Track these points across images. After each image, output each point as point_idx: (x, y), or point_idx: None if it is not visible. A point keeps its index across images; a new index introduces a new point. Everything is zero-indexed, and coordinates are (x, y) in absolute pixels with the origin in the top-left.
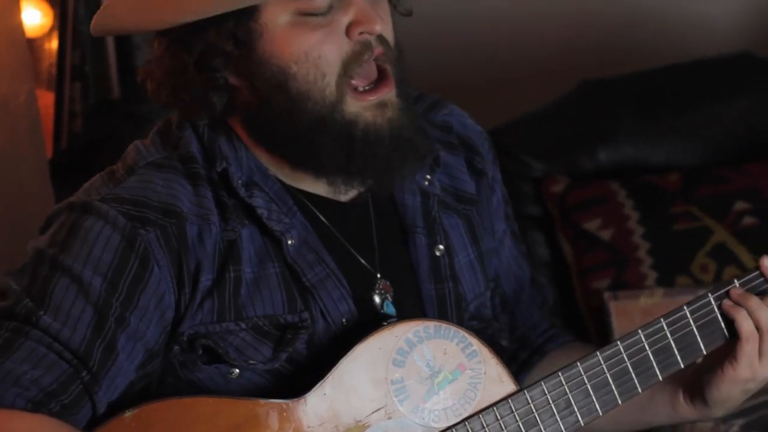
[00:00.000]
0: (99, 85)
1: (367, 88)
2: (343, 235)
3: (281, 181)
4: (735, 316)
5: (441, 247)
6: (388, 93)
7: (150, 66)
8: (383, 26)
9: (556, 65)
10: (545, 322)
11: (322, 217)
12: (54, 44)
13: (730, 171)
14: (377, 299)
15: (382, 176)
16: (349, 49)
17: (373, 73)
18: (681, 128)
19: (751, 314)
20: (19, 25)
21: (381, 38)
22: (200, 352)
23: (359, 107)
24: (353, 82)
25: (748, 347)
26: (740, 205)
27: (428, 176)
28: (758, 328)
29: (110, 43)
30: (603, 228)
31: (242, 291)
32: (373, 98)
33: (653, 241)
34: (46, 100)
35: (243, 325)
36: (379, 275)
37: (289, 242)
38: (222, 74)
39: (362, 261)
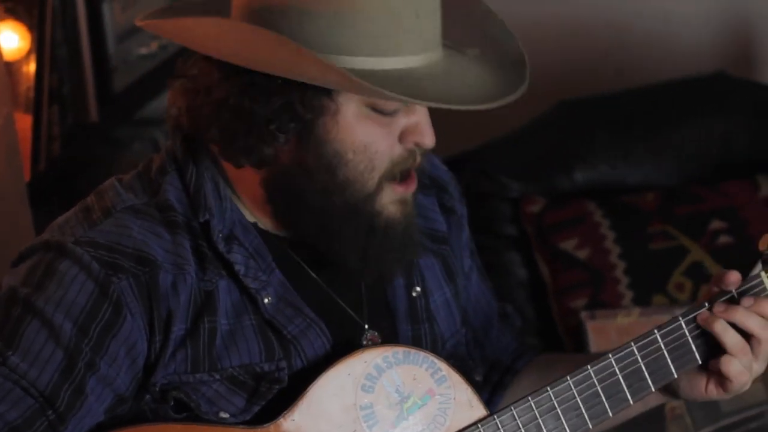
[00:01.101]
0: (77, 108)
1: (402, 177)
2: (327, 283)
3: (262, 232)
4: (716, 330)
5: (418, 288)
6: (413, 190)
7: (190, 91)
8: (433, 140)
9: (533, 86)
10: (514, 342)
11: (305, 266)
12: (32, 67)
13: (705, 190)
14: None
15: (387, 266)
16: (398, 152)
17: (417, 165)
18: (657, 148)
19: (741, 324)
20: None
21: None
22: (171, 403)
23: (391, 198)
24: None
25: (740, 358)
26: (716, 224)
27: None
28: (752, 335)
29: (88, 66)
30: (580, 248)
31: (217, 342)
32: (401, 191)
33: (630, 260)
34: (24, 123)
35: (217, 376)
36: (367, 326)
37: (266, 300)
38: (287, 135)
39: (349, 311)
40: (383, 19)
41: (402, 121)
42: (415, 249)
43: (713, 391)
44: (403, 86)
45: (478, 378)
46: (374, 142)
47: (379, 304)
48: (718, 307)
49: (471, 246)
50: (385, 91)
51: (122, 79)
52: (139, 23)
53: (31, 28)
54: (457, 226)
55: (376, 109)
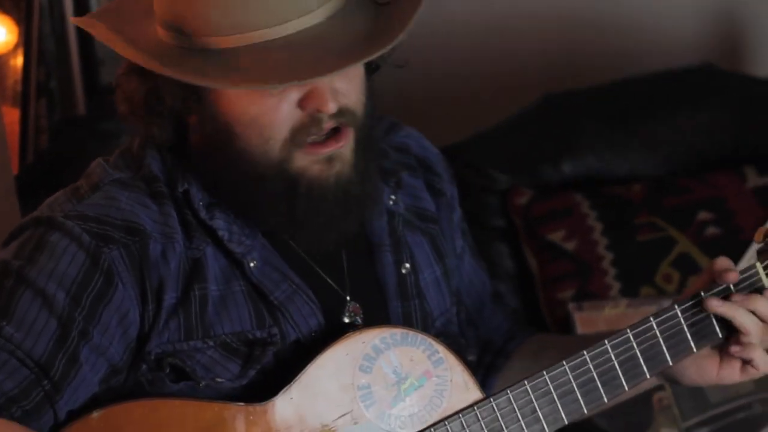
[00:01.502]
0: (64, 101)
1: (317, 140)
2: (310, 256)
3: None
4: (733, 315)
5: (407, 265)
6: (338, 147)
7: (120, 79)
8: (335, 104)
9: (520, 79)
10: (506, 323)
11: (289, 240)
12: (19, 61)
13: (693, 181)
14: (347, 321)
15: (323, 231)
16: (298, 120)
17: (326, 129)
18: (644, 140)
19: (758, 311)
20: None
21: (340, 111)
22: (167, 370)
23: (308, 160)
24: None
25: (756, 342)
26: (703, 215)
27: (393, 196)
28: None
29: (75, 59)
30: (567, 239)
31: (209, 309)
32: (321, 151)
33: (617, 251)
34: (12, 116)
35: (211, 343)
36: (348, 298)
37: (251, 264)
38: (164, 117)
39: (332, 284)
40: None
41: (294, 91)
42: (361, 207)
43: (731, 376)
44: (248, 67)
45: (471, 357)
46: (263, 113)
47: (367, 279)
48: (737, 296)
49: (463, 226)
50: (202, 80)
51: (110, 72)
52: (72, 20)
53: (18, 21)
54: (447, 207)
55: None
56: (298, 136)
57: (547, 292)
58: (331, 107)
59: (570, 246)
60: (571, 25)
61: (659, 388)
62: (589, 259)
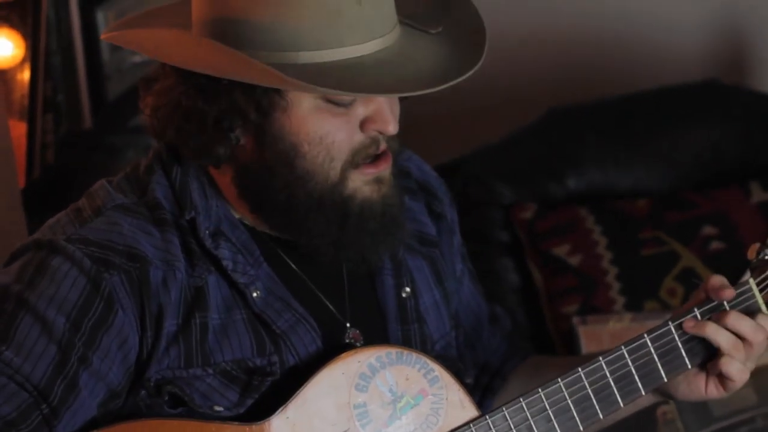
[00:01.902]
0: (71, 116)
1: (367, 161)
2: (313, 281)
3: (250, 228)
4: (711, 335)
5: (408, 289)
6: (386, 169)
7: (153, 93)
8: (396, 126)
9: (525, 94)
10: (504, 345)
11: (291, 264)
12: (26, 75)
13: (697, 196)
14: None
15: (369, 251)
16: (359, 141)
17: (381, 151)
18: (649, 154)
19: (733, 328)
20: None
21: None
22: (166, 398)
23: (360, 181)
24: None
25: (736, 357)
26: (708, 230)
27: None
28: (743, 339)
29: (82, 74)
30: (572, 253)
31: (209, 337)
32: (372, 172)
33: (621, 266)
34: (19, 130)
35: (210, 371)
36: (348, 324)
37: (254, 294)
38: (236, 134)
39: (332, 309)
40: (320, 13)
41: (360, 111)
42: (399, 229)
43: (714, 392)
44: (336, 78)
45: (469, 380)
46: (330, 132)
47: (368, 304)
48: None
49: (462, 251)
50: (307, 84)
51: (116, 87)
52: (103, 37)
53: (25, 36)
54: (447, 231)
55: (330, 101)
56: (356, 156)
57: (551, 306)
58: (393, 129)
59: (574, 260)
60: (576, 41)
61: (663, 401)
62: (594, 274)
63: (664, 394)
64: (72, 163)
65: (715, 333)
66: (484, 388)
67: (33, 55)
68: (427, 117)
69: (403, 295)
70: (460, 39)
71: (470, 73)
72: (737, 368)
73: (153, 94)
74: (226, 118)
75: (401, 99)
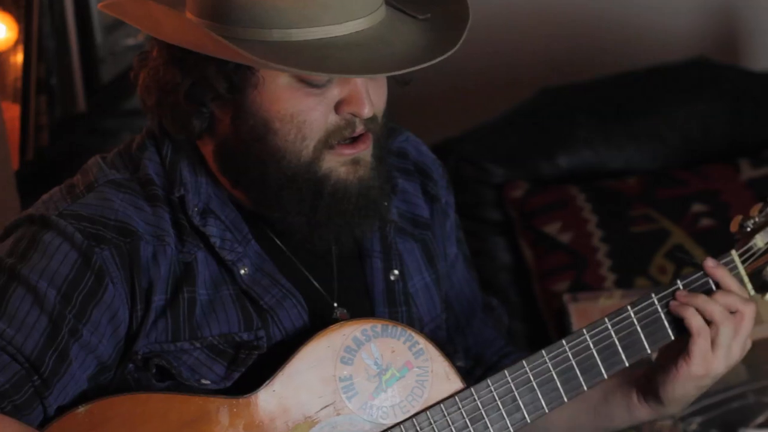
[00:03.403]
0: (64, 98)
1: (344, 142)
2: (301, 261)
3: (239, 206)
4: (684, 314)
5: (396, 272)
6: (364, 150)
7: (144, 65)
8: (371, 109)
9: (516, 74)
10: (501, 340)
11: (279, 243)
12: (19, 58)
13: (687, 174)
14: None
15: (342, 232)
16: (333, 122)
17: (357, 133)
18: (638, 133)
19: (701, 310)
20: None
21: (369, 117)
22: (154, 371)
23: (335, 162)
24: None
25: (701, 341)
26: (697, 207)
27: (385, 203)
28: (710, 322)
29: (75, 56)
30: (562, 231)
31: (197, 312)
32: (349, 152)
33: (612, 243)
34: (12, 112)
35: (197, 345)
36: (336, 304)
37: (242, 271)
38: (208, 108)
39: (320, 288)
40: None
41: (335, 92)
42: (376, 213)
43: (682, 367)
44: (303, 57)
45: (459, 363)
46: (302, 111)
47: (356, 286)
48: (681, 292)
49: (458, 235)
50: (270, 63)
51: (110, 70)
52: (99, 6)
53: (18, 18)
54: (440, 214)
55: (303, 81)
56: (331, 138)
57: (542, 284)
58: (367, 112)
59: (565, 238)
60: (567, 20)
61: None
62: (584, 251)
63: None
64: (66, 146)
65: (691, 315)
66: (478, 379)
67: (26, 37)
68: (418, 97)
69: (392, 278)
70: (443, 27)
71: (438, 60)
72: (700, 348)
73: (144, 68)
74: (197, 91)
75: (391, 81)
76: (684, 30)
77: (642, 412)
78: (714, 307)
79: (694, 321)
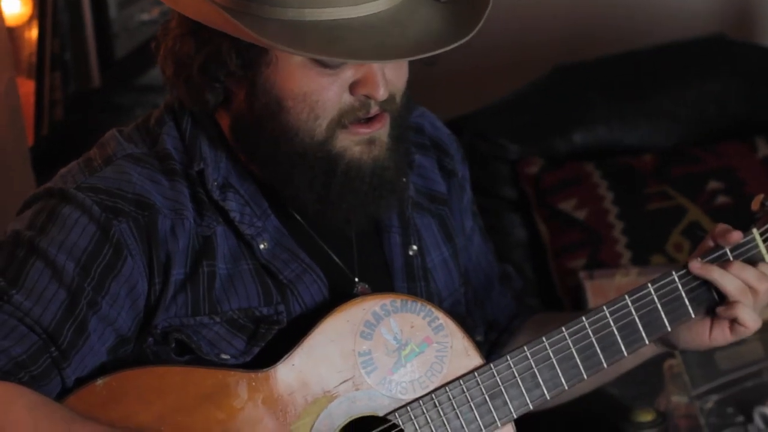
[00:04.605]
0: (79, 73)
1: (359, 121)
2: (321, 236)
3: (260, 182)
4: (718, 279)
5: (414, 247)
6: (379, 129)
7: (166, 36)
8: (386, 91)
9: (531, 51)
10: (513, 304)
11: (299, 218)
12: (34, 33)
13: (703, 151)
14: None
15: (355, 211)
16: (348, 103)
17: (372, 114)
18: (654, 110)
19: (736, 277)
20: None
21: (385, 99)
22: (173, 345)
23: (349, 141)
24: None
25: (747, 302)
26: (713, 185)
27: (404, 179)
28: (750, 287)
29: (90, 32)
30: (578, 208)
31: (216, 285)
32: (364, 131)
33: (628, 220)
34: (27, 88)
35: (217, 319)
36: (357, 279)
37: (261, 246)
38: (221, 83)
39: (340, 264)
40: None
41: (349, 74)
42: (391, 193)
43: (719, 338)
44: (312, 39)
45: (478, 338)
46: (315, 91)
47: (376, 261)
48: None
49: (473, 208)
50: (278, 44)
51: (124, 45)
52: None
53: None
54: (457, 188)
55: (316, 60)
56: (344, 118)
57: (558, 261)
58: (382, 94)
59: (581, 215)
60: None
61: (669, 355)
62: (600, 228)
63: (667, 344)
64: (80, 122)
65: (721, 277)
66: (492, 343)
67: (40, 12)
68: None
69: (410, 253)
70: (464, 10)
71: (450, 47)
72: (749, 314)
73: (166, 40)
74: (210, 66)
75: (414, 60)
76: (700, 7)
77: (650, 350)
78: (751, 271)
79: (732, 285)
